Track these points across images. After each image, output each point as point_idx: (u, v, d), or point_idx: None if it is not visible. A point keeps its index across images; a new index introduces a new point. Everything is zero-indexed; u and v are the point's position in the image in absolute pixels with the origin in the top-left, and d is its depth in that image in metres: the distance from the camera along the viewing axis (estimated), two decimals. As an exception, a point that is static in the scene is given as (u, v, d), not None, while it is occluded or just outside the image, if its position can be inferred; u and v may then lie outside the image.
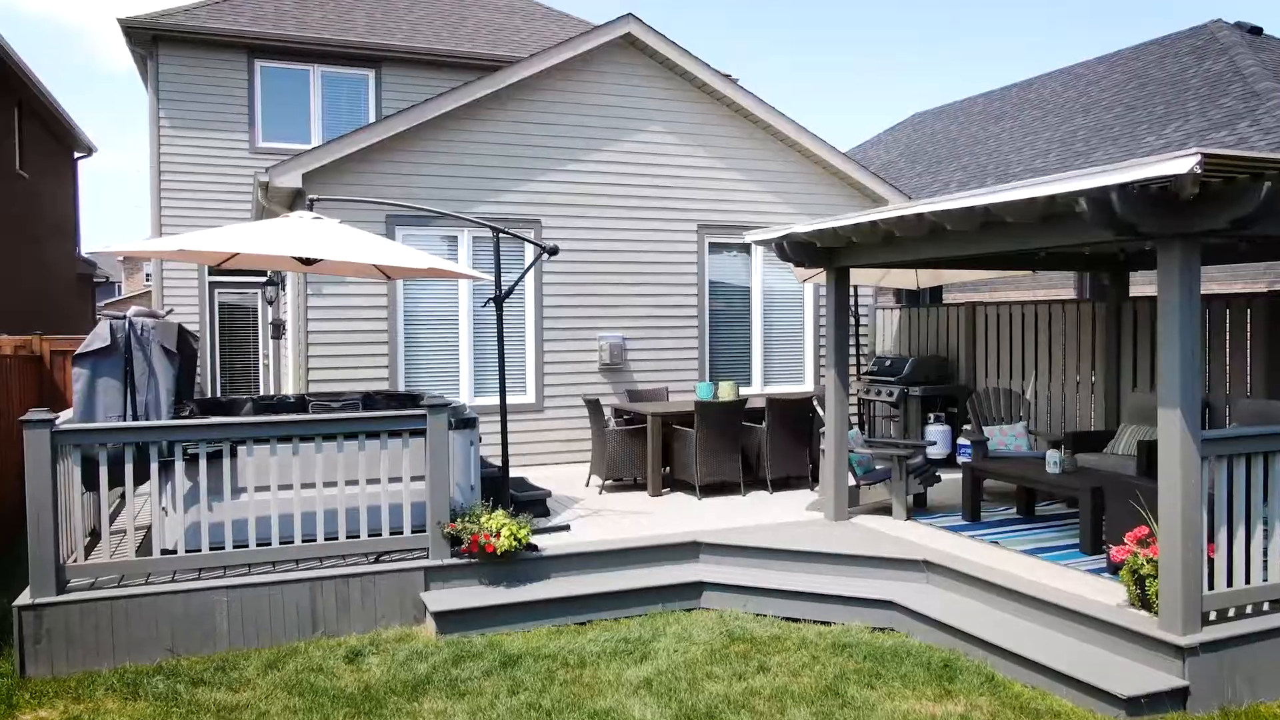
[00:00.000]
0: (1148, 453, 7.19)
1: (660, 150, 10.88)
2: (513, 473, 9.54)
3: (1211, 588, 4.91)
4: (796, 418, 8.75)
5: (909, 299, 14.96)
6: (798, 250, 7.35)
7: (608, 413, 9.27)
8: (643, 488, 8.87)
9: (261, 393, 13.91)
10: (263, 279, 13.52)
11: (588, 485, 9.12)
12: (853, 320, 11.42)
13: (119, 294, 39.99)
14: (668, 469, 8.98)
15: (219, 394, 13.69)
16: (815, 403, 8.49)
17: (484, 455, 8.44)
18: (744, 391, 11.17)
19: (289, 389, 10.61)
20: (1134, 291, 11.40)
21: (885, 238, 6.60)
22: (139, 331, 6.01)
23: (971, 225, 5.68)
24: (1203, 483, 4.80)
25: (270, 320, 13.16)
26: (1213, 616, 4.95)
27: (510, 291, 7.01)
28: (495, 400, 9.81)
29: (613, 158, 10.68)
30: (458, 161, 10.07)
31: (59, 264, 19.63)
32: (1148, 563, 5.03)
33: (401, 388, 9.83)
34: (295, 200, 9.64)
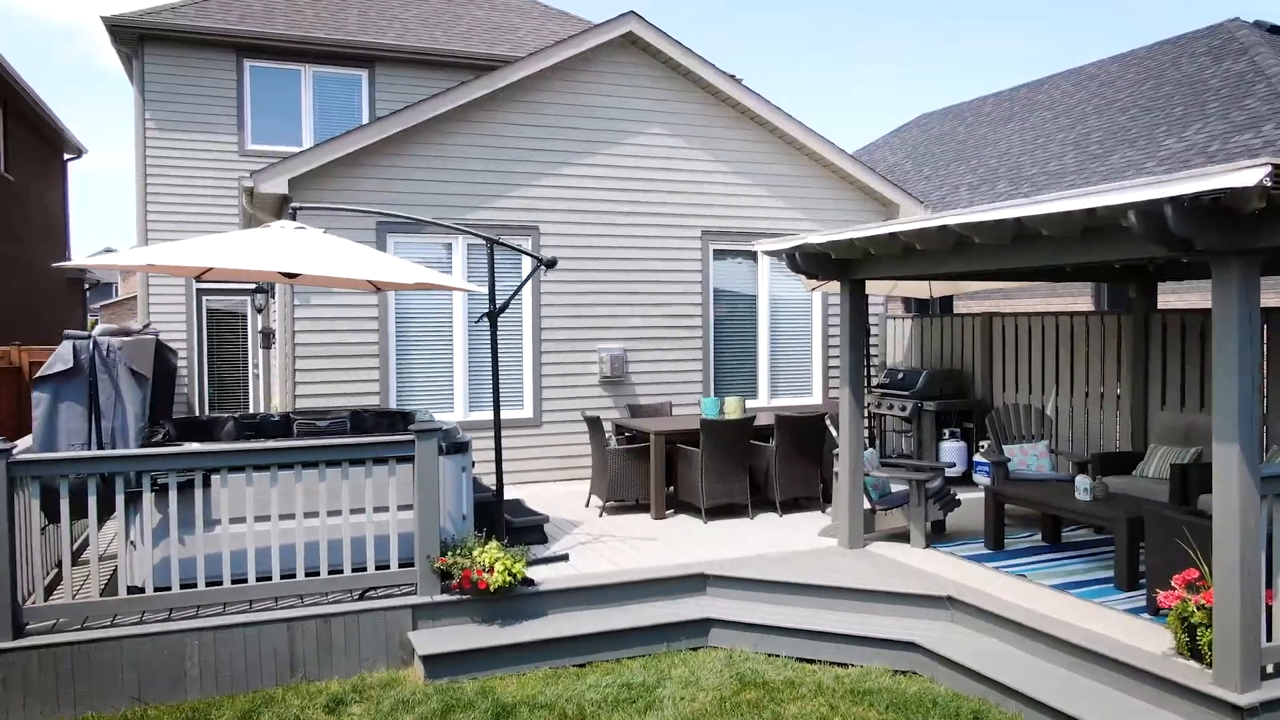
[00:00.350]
0: (1181, 477, 6.77)
1: (663, 154, 10.46)
2: (509, 492, 9.13)
3: (1270, 639, 4.49)
4: (807, 436, 8.32)
5: (919, 308, 14.53)
6: (810, 262, 6.93)
7: (608, 430, 8.84)
8: (645, 509, 8.45)
9: (250, 404, 13.49)
10: (252, 286, 13.10)
11: (587, 506, 8.70)
12: (863, 330, 10.99)
13: (115, 295, 39.45)
14: (671, 488, 8.56)
15: (207, 404, 13.27)
16: (828, 422, 8.07)
17: (478, 476, 8.02)
18: (750, 405, 10.76)
19: (277, 402, 10.19)
20: (1161, 303, 10.99)
21: (905, 250, 6.19)
22: (104, 352, 5.58)
23: (1001, 238, 5.26)
24: (1262, 524, 4.38)
25: (259, 329, 12.75)
26: (1270, 670, 4.53)
27: (505, 306, 6.59)
28: (491, 415, 9.39)
29: (613, 161, 10.26)
30: (452, 165, 9.65)
31: (48, 268, 19.20)
32: (1199, 610, 4.61)
33: (393, 402, 9.41)
34: (282, 206, 9.23)
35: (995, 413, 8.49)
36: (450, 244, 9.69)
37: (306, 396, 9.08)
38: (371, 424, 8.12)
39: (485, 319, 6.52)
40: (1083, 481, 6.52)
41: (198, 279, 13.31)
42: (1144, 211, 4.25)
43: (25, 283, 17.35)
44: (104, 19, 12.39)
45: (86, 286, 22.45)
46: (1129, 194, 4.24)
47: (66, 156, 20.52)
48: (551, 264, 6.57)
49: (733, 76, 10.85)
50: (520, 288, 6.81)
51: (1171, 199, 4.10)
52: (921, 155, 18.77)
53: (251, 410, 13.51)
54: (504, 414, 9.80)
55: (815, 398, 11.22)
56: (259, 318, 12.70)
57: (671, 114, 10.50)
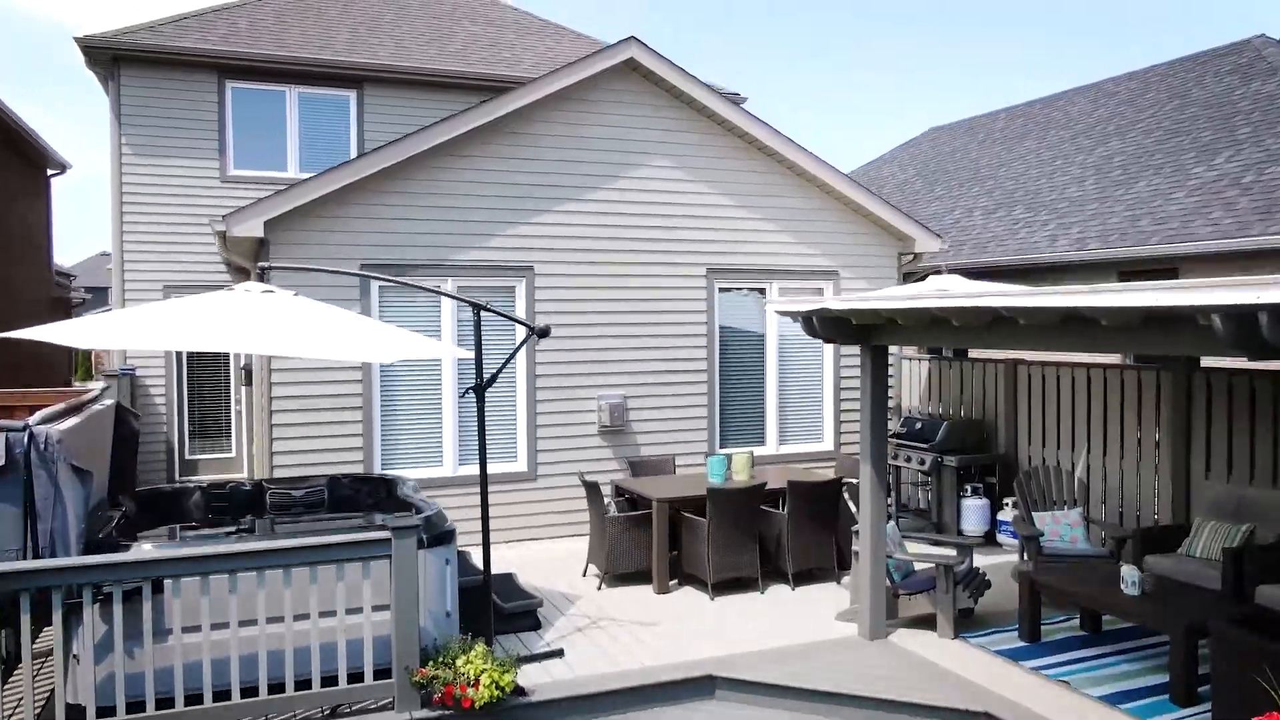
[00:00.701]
0: (1235, 563, 6.18)
1: (665, 187, 9.85)
2: (501, 554, 8.52)
3: (1372, 804, 3.88)
4: (821, 501, 7.73)
5: (931, 349, 13.85)
6: (828, 327, 6.32)
7: (607, 496, 8.21)
8: (647, 578, 7.83)
9: (233, 442, 12.87)
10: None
11: (585, 575, 8.09)
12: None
13: (110, 303, 38.85)
14: (675, 552, 7.95)
15: (187, 442, 12.65)
16: (846, 496, 7.46)
17: (465, 550, 7.41)
18: (758, 453, 10.15)
19: (256, 452, 9.58)
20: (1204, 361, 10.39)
21: (936, 321, 5.58)
22: (42, 446, 4.98)
23: (1050, 322, 4.67)
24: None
25: (241, 365, 12.15)
26: (1371, 836, 3.93)
27: (493, 379, 5.99)
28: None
29: (613, 196, 9.65)
30: (442, 203, 9.05)
31: (30, 287, 18.57)
32: (1286, 765, 4.00)
33: (378, 457, 8.80)
34: (260, 250, 8.61)
35: (1024, 476, 7.89)
36: (439, 287, 9.07)
37: (285, 453, 8.47)
38: (350, 491, 7.52)
39: (471, 392, 5.89)
40: (1130, 574, 5.91)
41: (177, 311, 12.73)
42: (1231, 315, 3.66)
43: (6, 305, 16.73)
44: (77, 39, 11.76)
45: (74, 304, 21.83)
46: (1216, 295, 3.64)
47: (50, 173, 19.87)
48: (544, 333, 5.96)
49: (735, 97, 10.26)
50: (511, 357, 6.20)
51: (1269, 306, 3.50)
52: (933, 173, 18.15)
53: (234, 449, 12.92)
54: (496, 468, 9.21)
55: (827, 443, 10.61)
56: (241, 353, 12.09)
57: (675, 144, 9.90)
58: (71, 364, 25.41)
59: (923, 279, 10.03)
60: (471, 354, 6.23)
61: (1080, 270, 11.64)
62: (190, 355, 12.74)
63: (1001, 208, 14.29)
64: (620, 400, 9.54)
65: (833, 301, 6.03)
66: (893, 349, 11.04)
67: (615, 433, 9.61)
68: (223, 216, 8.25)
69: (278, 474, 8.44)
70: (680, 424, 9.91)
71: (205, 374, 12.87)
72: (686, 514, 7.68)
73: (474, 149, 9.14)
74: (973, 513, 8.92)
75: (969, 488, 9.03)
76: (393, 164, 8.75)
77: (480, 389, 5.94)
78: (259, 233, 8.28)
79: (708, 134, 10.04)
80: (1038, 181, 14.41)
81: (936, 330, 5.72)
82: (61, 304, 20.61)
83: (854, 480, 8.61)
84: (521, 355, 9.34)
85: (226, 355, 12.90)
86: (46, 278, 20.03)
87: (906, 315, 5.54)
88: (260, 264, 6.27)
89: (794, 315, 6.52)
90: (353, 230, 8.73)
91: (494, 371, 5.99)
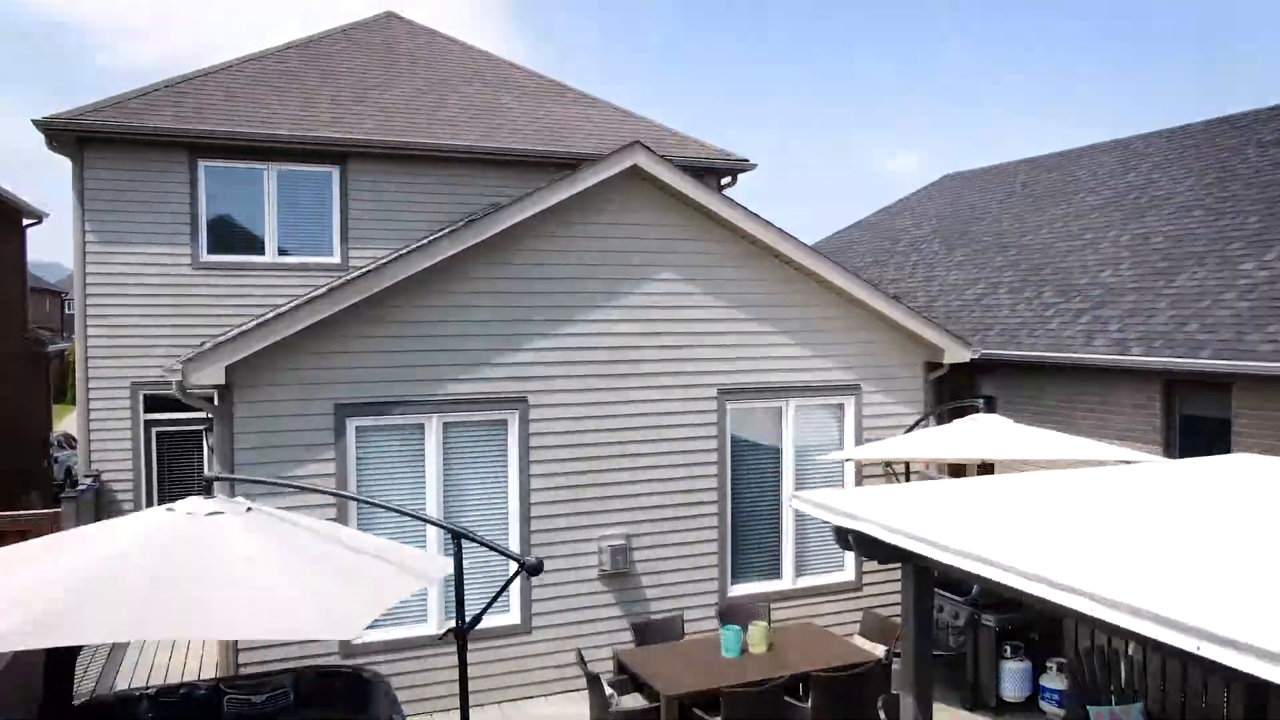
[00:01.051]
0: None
1: (672, 301, 9.00)
2: (491, 716, 7.68)
3: None
4: (849, 698, 6.90)
5: (953, 470, 12.89)
6: (866, 546, 5.47)
7: (609, 687, 7.34)
8: (654, 773, 7.00)
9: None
10: (206, 418, 11.65)
11: (584, 766, 7.27)
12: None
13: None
14: (684, 738, 7.11)
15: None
16: (882, 715, 6.59)
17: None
18: (774, 588, 9.34)
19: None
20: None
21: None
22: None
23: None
24: None
25: (206, 474, 11.28)
26: None
27: (476, 621, 5.14)
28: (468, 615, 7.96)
29: (615, 314, 8.81)
30: (427, 331, 8.22)
31: (4, 344, 17.75)
32: None
33: (354, 618, 7.95)
34: (223, 396, 7.76)
35: (1076, 659, 7.05)
36: (423, 424, 8.25)
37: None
38: (317, 688, 6.68)
39: (451, 635, 5.05)
40: None
41: (147, 408, 11.88)
42: None
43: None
44: (36, 122, 10.89)
45: (50, 356, 21.00)
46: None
47: (26, 222, 19.06)
48: (535, 570, 5.11)
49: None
50: (498, 596, 5.36)
51: None
52: (950, 232, 17.27)
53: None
54: (487, 620, 8.37)
55: (848, 572, 9.77)
56: (211, 457, 11.24)
57: (681, 254, 9.05)
58: (52, 394, 24.49)
59: (960, 411, 9.23)
60: (449, 568, 5.39)
61: (1123, 375, 10.78)
62: (160, 460, 11.89)
63: (1029, 286, 13.42)
64: (622, 542, 8.70)
65: (868, 523, 5.18)
66: (916, 465, 10.19)
67: (618, 576, 8.77)
68: (179, 364, 7.42)
69: (243, 646, 7.62)
70: (688, 562, 9.07)
71: (176, 479, 12.03)
72: (699, 712, 6.85)
73: (464, 268, 8.30)
74: (1013, 677, 8.09)
75: (1008, 647, 8.19)
76: (372, 294, 7.92)
77: (461, 632, 5.09)
78: (220, 379, 7.46)
79: (717, 241, 9.18)
80: (1067, 257, 13.54)
81: (993, 583, 4.87)
82: (39, 360, 19.78)
83: (882, 650, 7.79)
84: (514, 494, 8.51)
85: (200, 459, 12.06)
86: (21, 333, 19.20)
87: (962, 570, 4.69)
88: (206, 476, 5.41)
89: (828, 524, 5.68)
90: (327, 367, 7.90)
91: (478, 612, 5.14)
